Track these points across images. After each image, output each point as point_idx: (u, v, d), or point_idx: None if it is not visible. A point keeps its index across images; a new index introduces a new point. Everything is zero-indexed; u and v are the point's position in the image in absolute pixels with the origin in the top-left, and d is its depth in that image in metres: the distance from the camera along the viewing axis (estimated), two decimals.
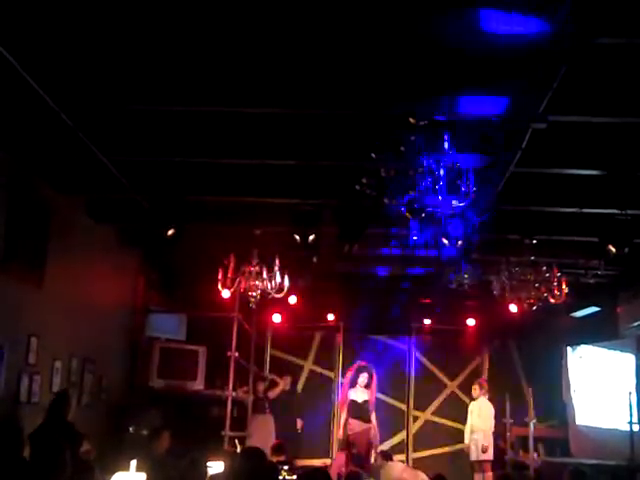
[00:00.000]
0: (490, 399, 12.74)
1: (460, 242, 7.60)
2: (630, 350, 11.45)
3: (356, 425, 12.04)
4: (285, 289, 9.66)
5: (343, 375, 13.56)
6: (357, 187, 6.10)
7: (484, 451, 12.36)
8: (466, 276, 10.23)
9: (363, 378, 12.25)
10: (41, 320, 7.95)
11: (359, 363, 12.81)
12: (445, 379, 14.39)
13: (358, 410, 12.11)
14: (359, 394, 12.19)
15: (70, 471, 5.37)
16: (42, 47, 5.28)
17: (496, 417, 12.62)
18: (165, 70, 5.68)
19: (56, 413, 7.59)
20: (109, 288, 10.27)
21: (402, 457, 13.50)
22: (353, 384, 12.29)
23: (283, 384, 12.73)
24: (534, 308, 9.77)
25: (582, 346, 13.32)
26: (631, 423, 10.64)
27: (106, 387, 10.18)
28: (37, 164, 7.54)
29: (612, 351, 12.19)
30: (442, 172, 5.93)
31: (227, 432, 10.74)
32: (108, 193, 8.50)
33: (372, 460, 11.78)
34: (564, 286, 9.62)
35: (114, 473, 6.42)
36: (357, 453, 11.78)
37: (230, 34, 5.09)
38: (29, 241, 7.64)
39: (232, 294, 9.89)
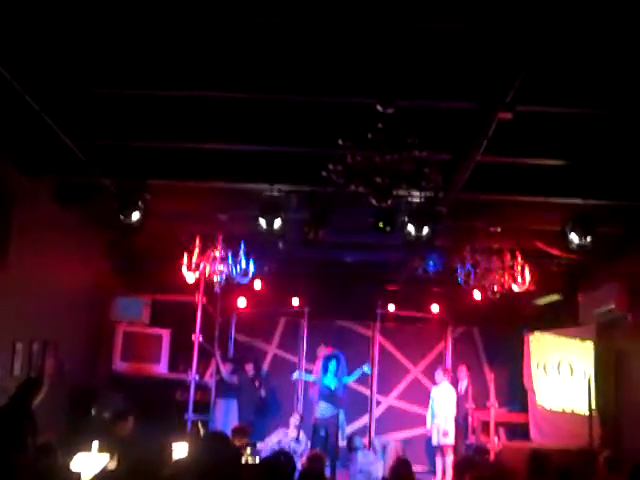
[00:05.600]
0: (453, 382, 12.96)
1: (425, 228, 7.67)
2: (590, 337, 11.64)
3: (326, 410, 12.11)
4: (250, 274, 9.66)
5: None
6: (324, 173, 6.10)
7: (445, 435, 12.53)
8: (431, 263, 10.33)
9: (333, 365, 12.30)
10: (2, 303, 7.87)
11: (327, 350, 12.87)
12: (408, 364, 14.50)
13: (329, 395, 12.18)
14: (330, 380, 12.25)
15: (32, 454, 5.37)
16: (7, 28, 5.20)
17: (458, 402, 12.79)
18: (132, 53, 5.64)
19: (21, 398, 7.45)
20: (73, 271, 10.17)
21: (364, 441, 13.61)
22: (325, 371, 12.33)
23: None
24: (498, 296, 9.88)
25: (543, 332, 13.49)
26: (590, 409, 10.84)
27: (68, 370, 10.11)
28: (1, 145, 7.44)
29: (572, 338, 12.37)
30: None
31: (190, 416, 10.74)
32: (74, 176, 8.40)
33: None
34: (527, 274, 9.75)
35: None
36: (325, 437, 11.87)
37: (198, 17, 5.07)
38: None
39: (197, 278, 9.87)
